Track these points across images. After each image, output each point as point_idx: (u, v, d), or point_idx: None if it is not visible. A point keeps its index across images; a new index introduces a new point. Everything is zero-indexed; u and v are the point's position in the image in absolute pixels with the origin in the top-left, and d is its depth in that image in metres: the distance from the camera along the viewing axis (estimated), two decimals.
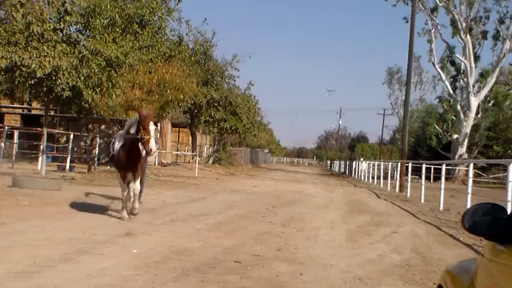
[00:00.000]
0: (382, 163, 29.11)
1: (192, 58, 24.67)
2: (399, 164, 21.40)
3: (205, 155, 36.89)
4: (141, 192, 9.53)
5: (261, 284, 4.82)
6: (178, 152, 35.21)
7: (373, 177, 27.71)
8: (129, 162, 8.02)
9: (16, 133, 20.29)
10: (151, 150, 7.57)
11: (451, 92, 38.89)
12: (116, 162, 8.46)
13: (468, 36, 35.95)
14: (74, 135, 19.17)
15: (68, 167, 17.50)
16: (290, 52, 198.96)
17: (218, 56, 34.23)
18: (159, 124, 26.94)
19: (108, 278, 4.57)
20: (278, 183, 23.00)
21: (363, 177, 30.95)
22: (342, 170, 49.43)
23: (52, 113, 23.43)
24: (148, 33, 17.41)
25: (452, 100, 38.87)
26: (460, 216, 2.27)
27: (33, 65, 12.81)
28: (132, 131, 7.85)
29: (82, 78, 14.39)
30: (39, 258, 5.10)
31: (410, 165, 18.51)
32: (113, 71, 15.47)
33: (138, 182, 8.12)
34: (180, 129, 36.84)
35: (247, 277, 5.01)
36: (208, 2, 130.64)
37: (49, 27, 13.73)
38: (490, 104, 40.76)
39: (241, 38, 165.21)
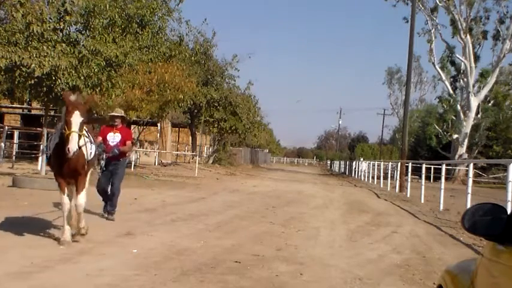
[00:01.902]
0: (382, 163, 29.10)
1: (192, 58, 24.66)
2: (399, 164, 21.39)
3: (205, 155, 36.89)
4: (113, 206, 8.01)
5: (261, 284, 4.82)
6: (178, 152, 35.22)
7: (373, 177, 27.70)
8: (65, 166, 5.87)
9: (16, 133, 20.29)
10: (69, 150, 5.42)
11: (451, 92, 38.91)
12: (51, 167, 6.42)
13: (468, 36, 35.96)
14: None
15: None
16: (290, 52, 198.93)
17: (218, 56, 34.21)
18: (158, 124, 27.10)
19: (108, 278, 4.57)
20: (278, 183, 23.00)
21: (363, 177, 30.95)
22: (342, 170, 49.43)
23: (52, 113, 23.43)
24: (148, 34, 17.39)
25: (452, 100, 38.90)
26: (460, 216, 2.27)
27: (33, 65, 12.81)
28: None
29: (82, 78, 14.39)
30: (38, 259, 5.10)
31: (410, 165, 18.51)
32: (112, 71, 15.47)
33: (82, 195, 6.15)
34: (180, 129, 36.86)
35: (247, 277, 5.01)
36: (208, 2, 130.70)
37: (49, 27, 13.73)
38: (490, 104, 40.80)
39: (241, 38, 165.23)
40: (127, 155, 8.46)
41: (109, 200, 7.99)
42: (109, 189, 8.04)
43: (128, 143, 8.17)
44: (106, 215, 8.03)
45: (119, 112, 8.35)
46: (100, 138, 7.82)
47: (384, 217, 11.16)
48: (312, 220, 9.85)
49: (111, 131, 8.09)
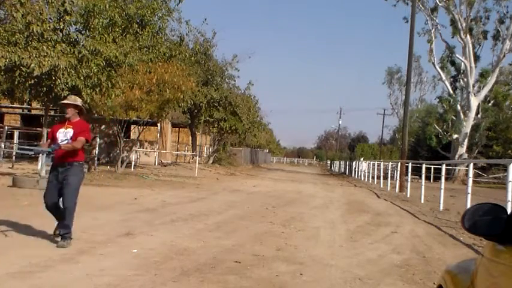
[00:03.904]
0: (382, 163, 29.10)
1: (192, 58, 24.67)
2: (399, 164, 21.39)
3: (205, 155, 36.89)
4: (66, 228, 5.88)
5: (261, 284, 4.82)
6: (178, 152, 35.23)
7: (373, 177, 27.70)
8: None
9: (16, 133, 20.31)
10: None
11: (451, 92, 38.91)
12: None
13: (468, 36, 35.96)
14: None
15: None
16: (290, 52, 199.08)
17: (218, 56, 34.30)
18: (158, 124, 27.10)
19: (108, 278, 4.57)
20: (278, 183, 23.00)
21: (363, 177, 30.94)
22: (342, 170, 49.42)
23: (52, 113, 23.44)
24: (148, 34, 17.41)
25: (452, 100, 38.90)
26: (460, 216, 2.27)
27: (33, 65, 12.83)
28: None
29: (81, 78, 14.40)
30: (39, 258, 5.11)
31: (410, 165, 18.50)
32: (112, 71, 15.48)
33: None
34: (180, 129, 36.86)
35: (247, 277, 5.01)
36: (208, 2, 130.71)
37: (49, 27, 13.75)
38: (490, 104, 40.79)
39: (241, 38, 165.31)
40: (82, 158, 6.25)
41: (61, 219, 5.97)
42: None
43: (80, 138, 6.01)
44: (58, 239, 5.95)
45: (72, 100, 6.26)
46: (47, 141, 6.21)
47: (384, 217, 11.16)
48: (312, 220, 9.85)
49: (63, 126, 6.13)
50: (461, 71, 38.04)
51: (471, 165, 12.12)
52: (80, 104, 6.26)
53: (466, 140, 37.72)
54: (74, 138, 5.98)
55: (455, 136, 38.10)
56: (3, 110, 30.24)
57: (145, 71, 16.95)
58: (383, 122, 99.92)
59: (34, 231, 6.50)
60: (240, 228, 8.12)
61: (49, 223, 7.10)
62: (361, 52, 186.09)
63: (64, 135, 6.03)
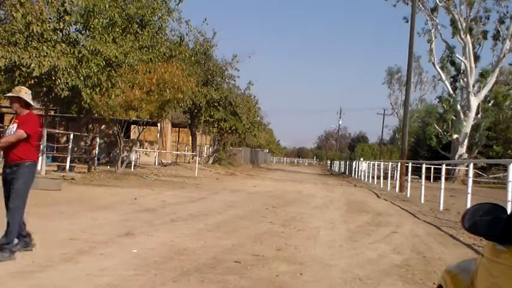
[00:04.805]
0: (382, 163, 29.09)
1: (192, 58, 24.68)
2: (399, 164, 21.39)
3: (205, 155, 36.89)
4: (8, 237, 5.11)
5: (261, 284, 4.82)
6: (178, 152, 35.23)
7: (373, 177, 27.70)
8: None
9: None
10: None
11: (451, 92, 38.91)
12: None
13: (468, 36, 35.96)
14: (74, 135, 19.16)
15: (68, 167, 17.49)
16: (290, 52, 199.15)
17: (218, 56, 34.29)
18: (158, 124, 27.11)
19: (108, 278, 4.57)
20: (278, 183, 23.00)
21: (363, 177, 30.94)
22: (342, 170, 49.42)
23: (52, 113, 23.44)
24: (148, 34, 17.42)
25: (452, 100, 38.90)
26: (460, 216, 2.27)
27: (33, 65, 12.84)
28: None
29: (81, 78, 14.41)
30: (39, 258, 5.11)
31: (410, 165, 18.50)
32: (112, 71, 15.49)
33: None
34: (180, 129, 36.86)
35: (247, 277, 5.01)
36: (208, 2, 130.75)
37: (49, 27, 13.76)
38: (490, 104, 40.79)
39: (241, 38, 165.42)
40: (31, 156, 5.43)
41: (7, 227, 5.19)
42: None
43: (17, 131, 5.25)
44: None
45: (15, 92, 5.50)
46: None
47: (384, 217, 11.16)
48: (312, 220, 9.85)
49: (13, 122, 5.49)
50: (461, 71, 38.04)
51: (471, 165, 12.12)
52: (23, 96, 5.39)
53: (466, 140, 37.72)
54: None
55: (455, 136, 38.10)
56: (3, 110, 30.17)
57: (145, 71, 16.94)
58: (383, 122, 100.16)
59: (33, 231, 6.48)
60: (240, 228, 8.12)
61: (48, 223, 7.11)
62: (361, 52, 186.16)
63: (9, 131, 5.35)
